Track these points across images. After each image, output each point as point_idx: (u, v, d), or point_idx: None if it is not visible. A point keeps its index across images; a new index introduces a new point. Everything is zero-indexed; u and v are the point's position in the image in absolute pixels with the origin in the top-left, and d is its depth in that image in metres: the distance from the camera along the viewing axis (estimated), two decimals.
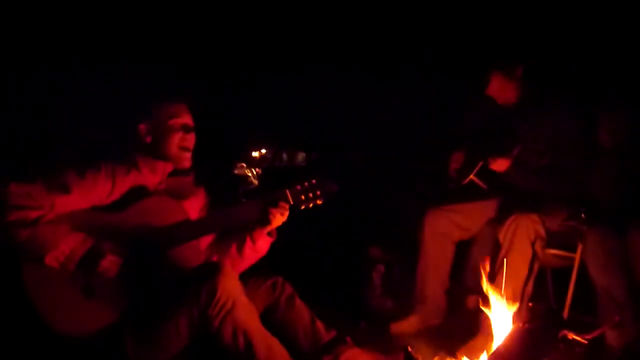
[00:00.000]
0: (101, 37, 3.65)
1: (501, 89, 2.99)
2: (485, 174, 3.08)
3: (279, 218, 2.20)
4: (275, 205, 2.17)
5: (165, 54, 3.98)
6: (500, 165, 2.93)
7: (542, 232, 2.77)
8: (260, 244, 2.29)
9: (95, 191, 2.03)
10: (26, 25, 3.43)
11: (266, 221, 2.20)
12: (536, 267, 2.77)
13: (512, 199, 2.96)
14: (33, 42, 3.43)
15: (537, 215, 2.78)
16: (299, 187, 2.21)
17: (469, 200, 3.12)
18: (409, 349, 2.19)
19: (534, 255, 2.75)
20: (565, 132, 2.86)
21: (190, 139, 2.25)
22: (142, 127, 2.20)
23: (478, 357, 2.27)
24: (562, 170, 2.87)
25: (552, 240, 2.84)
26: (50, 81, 3.39)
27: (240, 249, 2.29)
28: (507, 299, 2.33)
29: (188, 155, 2.25)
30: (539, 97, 2.94)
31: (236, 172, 5.53)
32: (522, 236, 2.74)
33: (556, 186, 2.88)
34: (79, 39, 3.56)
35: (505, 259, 2.75)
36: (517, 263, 2.73)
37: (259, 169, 5.66)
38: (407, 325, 2.95)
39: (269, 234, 2.29)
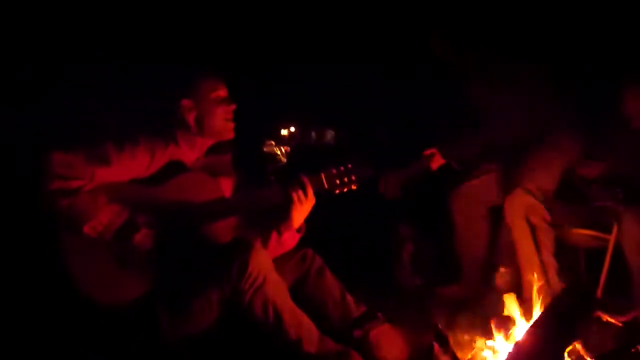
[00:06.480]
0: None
1: None
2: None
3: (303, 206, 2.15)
4: (297, 194, 2.12)
5: (197, 31, 4.03)
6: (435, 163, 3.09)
7: (531, 201, 2.80)
8: (286, 238, 2.24)
9: (134, 164, 2.05)
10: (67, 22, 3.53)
11: (289, 202, 2.14)
12: (542, 236, 2.78)
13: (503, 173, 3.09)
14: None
15: (520, 188, 2.83)
16: (334, 171, 2.16)
17: (475, 177, 3.18)
18: (439, 326, 2.18)
19: (533, 226, 2.78)
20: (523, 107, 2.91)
21: (232, 110, 2.24)
22: (185, 103, 2.18)
23: (509, 337, 2.25)
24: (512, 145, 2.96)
25: (585, 220, 2.82)
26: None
27: (265, 242, 2.21)
28: (528, 275, 2.34)
29: (232, 125, 2.24)
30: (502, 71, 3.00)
31: (265, 149, 5.53)
32: (516, 215, 2.82)
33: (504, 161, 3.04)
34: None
35: (514, 240, 2.85)
36: (521, 240, 2.81)
37: (287, 147, 5.65)
38: (450, 292, 3.05)
39: (298, 230, 2.25)
